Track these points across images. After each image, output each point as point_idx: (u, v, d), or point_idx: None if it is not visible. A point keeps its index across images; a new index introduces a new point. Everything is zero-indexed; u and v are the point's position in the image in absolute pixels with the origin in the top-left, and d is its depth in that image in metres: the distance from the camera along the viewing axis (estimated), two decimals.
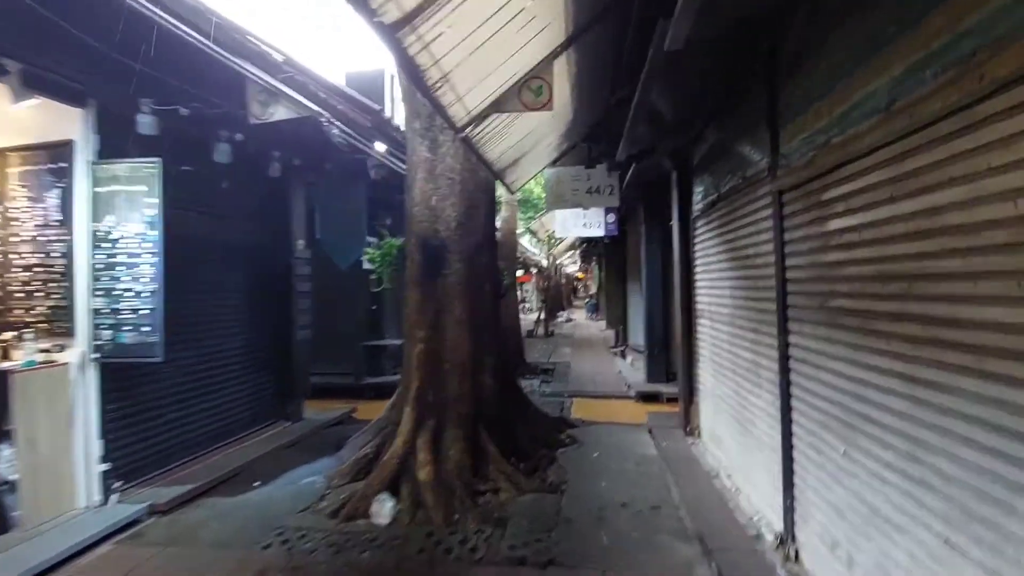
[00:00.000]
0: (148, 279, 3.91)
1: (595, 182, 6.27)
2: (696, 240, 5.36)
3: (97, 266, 3.91)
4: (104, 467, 3.99)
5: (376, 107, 5.74)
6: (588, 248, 18.61)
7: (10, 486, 3.50)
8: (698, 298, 5.37)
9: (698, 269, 5.35)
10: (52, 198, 3.95)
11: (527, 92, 3.40)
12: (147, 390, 4.53)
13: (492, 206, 5.23)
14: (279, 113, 3.88)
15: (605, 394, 8.14)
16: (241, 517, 3.90)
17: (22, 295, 3.99)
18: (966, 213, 1.67)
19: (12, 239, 4.03)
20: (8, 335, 3.85)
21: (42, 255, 3.96)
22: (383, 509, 3.76)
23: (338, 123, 4.41)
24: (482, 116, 3.46)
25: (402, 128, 5.47)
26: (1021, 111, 1.45)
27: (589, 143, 6.31)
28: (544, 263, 19.78)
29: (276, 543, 3.48)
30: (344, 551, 3.37)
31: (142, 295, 3.91)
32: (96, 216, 3.90)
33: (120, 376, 4.22)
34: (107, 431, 4.10)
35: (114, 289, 3.91)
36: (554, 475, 4.44)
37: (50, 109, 3.83)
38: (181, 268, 4.91)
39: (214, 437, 5.28)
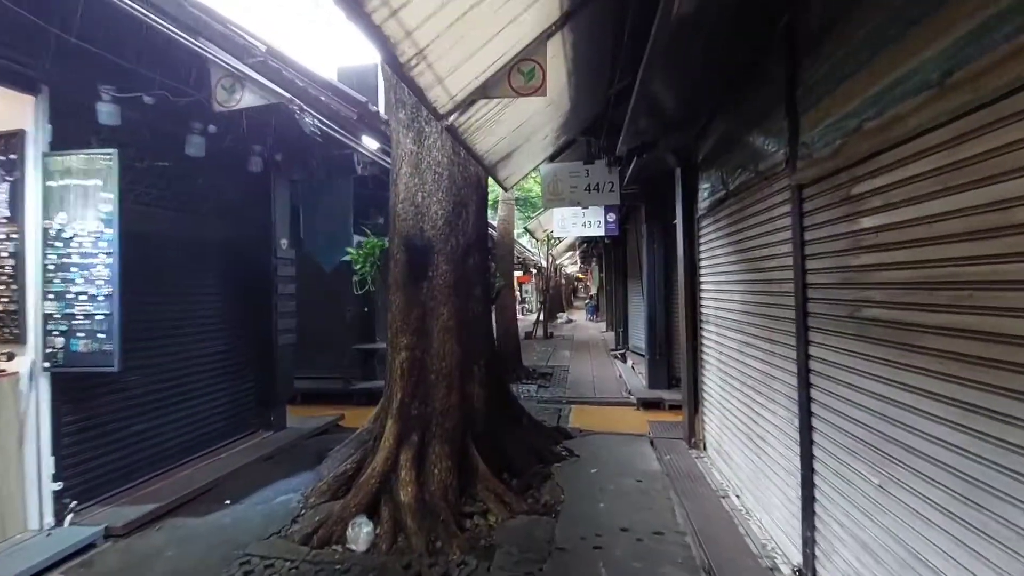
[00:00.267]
0: (103, 281, 3.58)
1: (594, 179, 5.93)
2: (701, 240, 5.02)
3: (48, 267, 3.58)
4: (57, 486, 3.65)
5: (362, 99, 5.40)
6: (588, 248, 18.30)
7: None
8: (703, 302, 5.03)
9: (703, 271, 5.01)
10: (1, 193, 3.62)
11: (518, 75, 3.07)
12: (109, 400, 4.19)
13: (483, 203, 4.89)
14: (246, 99, 3.54)
15: (605, 400, 7.80)
16: (204, 542, 3.56)
17: None
18: None
19: None
20: None
21: None
22: (360, 534, 3.43)
23: (314, 112, 4.08)
24: (468, 102, 3.12)
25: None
26: None
27: (588, 138, 5.97)
28: (543, 264, 19.45)
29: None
30: None
31: (97, 299, 3.57)
32: (47, 213, 3.57)
33: (77, 386, 3.89)
34: (61, 447, 3.77)
35: (67, 293, 3.57)
36: (548, 494, 4.10)
37: None
38: (148, 268, 4.60)
39: (186, 450, 4.94)
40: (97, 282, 3.57)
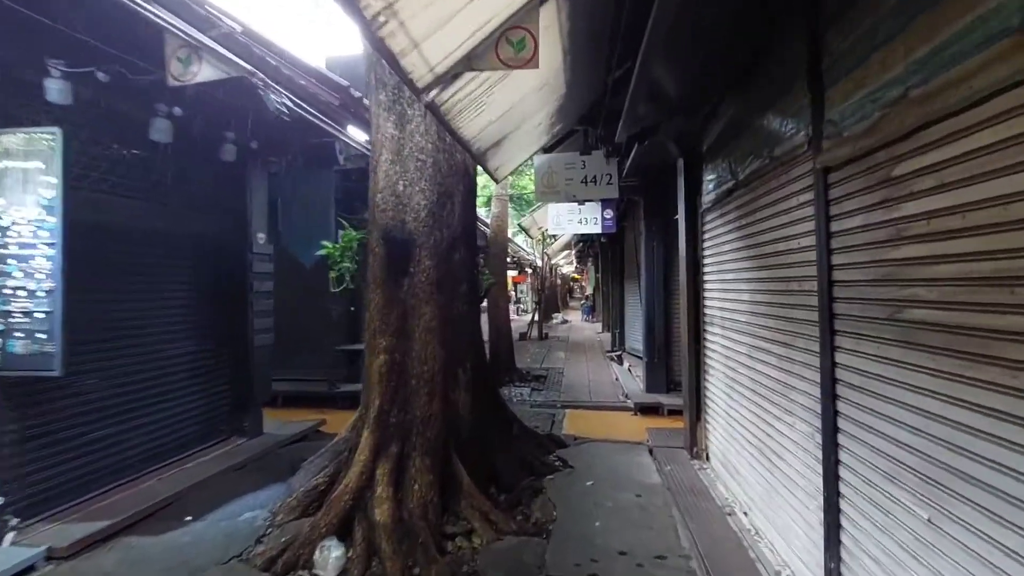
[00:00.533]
0: (44, 276, 3.22)
1: (591, 170, 5.58)
2: (706, 237, 4.69)
3: None
4: None
5: (344, 83, 5.04)
6: (584, 248, 17.98)
7: None
8: (707, 303, 4.70)
9: (707, 269, 4.68)
10: None
11: (506, 45, 2.72)
12: (60, 406, 3.83)
13: (471, 194, 4.54)
14: (204, 72, 3.18)
15: (601, 405, 7.46)
16: (157, 566, 3.20)
17: None
18: None
19: None
20: None
21: None
22: (328, 559, 3.07)
23: (287, 92, 3.72)
24: (451, 76, 2.77)
25: None
26: None
27: (585, 127, 5.62)
28: (538, 263, 19.09)
29: None
30: None
31: (36, 295, 3.21)
32: None
33: (22, 391, 3.52)
34: (1, 458, 3.41)
35: (3, 287, 3.20)
36: (539, 511, 3.76)
37: None
38: (108, 262, 4.24)
39: (150, 459, 4.58)
40: (37, 276, 3.21)
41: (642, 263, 7.86)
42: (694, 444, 4.86)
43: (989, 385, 1.53)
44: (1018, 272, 1.42)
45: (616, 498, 4.05)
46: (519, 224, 15.30)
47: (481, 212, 14.70)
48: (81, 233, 4.01)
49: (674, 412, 6.48)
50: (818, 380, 2.54)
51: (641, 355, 8.18)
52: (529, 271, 23.42)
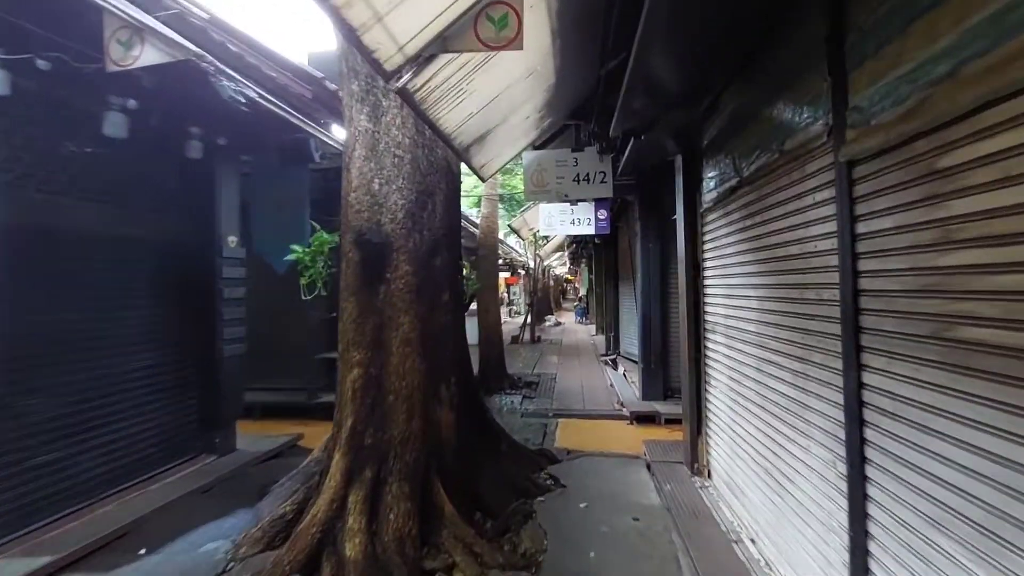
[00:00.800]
0: None
1: (584, 168, 5.26)
2: (706, 238, 4.39)
3: None
4: None
5: (318, 74, 4.71)
6: (577, 249, 17.67)
7: None
8: (708, 308, 4.40)
9: (709, 273, 4.38)
10: None
11: (486, 23, 2.41)
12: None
13: (454, 194, 4.21)
14: (147, 55, 2.84)
15: (595, 413, 7.15)
16: None
17: None
18: None
19: None
20: None
21: None
22: None
23: (247, 80, 3.38)
24: (424, 59, 2.45)
25: None
26: None
27: (577, 122, 5.31)
28: (531, 264, 18.77)
29: None
30: None
31: None
32: None
33: None
34: None
35: None
36: (529, 540, 3.43)
37: None
38: (55, 271, 3.87)
39: (108, 482, 4.21)
40: None
41: (638, 265, 7.56)
42: (695, 459, 4.55)
43: None
44: None
45: (612, 523, 3.74)
46: (509, 225, 14.96)
47: (471, 213, 14.37)
48: (24, 238, 3.67)
49: (672, 421, 6.19)
50: (840, 401, 2.24)
51: (636, 359, 7.89)
52: (522, 272, 23.09)
